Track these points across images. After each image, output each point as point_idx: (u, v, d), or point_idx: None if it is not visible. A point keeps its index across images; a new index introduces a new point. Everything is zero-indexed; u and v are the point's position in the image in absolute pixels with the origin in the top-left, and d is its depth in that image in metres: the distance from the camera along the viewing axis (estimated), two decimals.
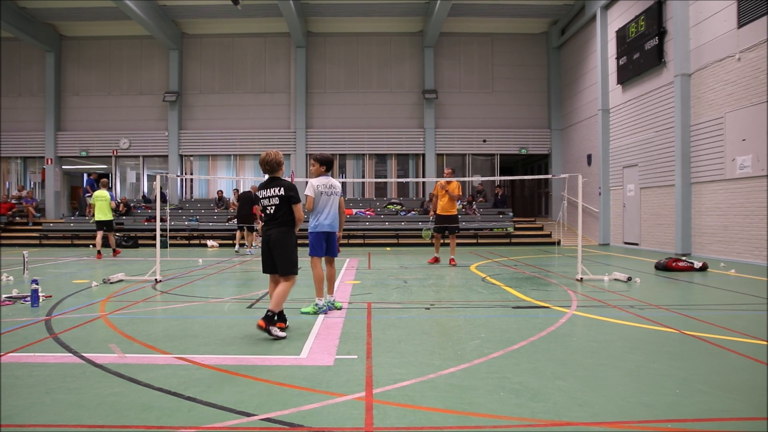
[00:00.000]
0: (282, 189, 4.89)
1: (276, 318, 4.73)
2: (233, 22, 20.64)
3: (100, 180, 13.89)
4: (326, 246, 5.91)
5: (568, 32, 20.03)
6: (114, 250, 13.64)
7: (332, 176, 6.04)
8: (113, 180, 22.55)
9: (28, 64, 21.80)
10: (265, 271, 5.03)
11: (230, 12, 19.26)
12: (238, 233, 14.98)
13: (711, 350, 4.30)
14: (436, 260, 11.39)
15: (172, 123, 21.28)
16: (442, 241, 11.70)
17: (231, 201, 20.21)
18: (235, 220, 15.67)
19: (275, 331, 4.64)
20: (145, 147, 21.71)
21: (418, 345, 4.43)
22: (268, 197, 4.94)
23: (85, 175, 23.27)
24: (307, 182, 6.09)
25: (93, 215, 13.33)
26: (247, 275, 9.81)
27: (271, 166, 4.98)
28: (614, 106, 16.93)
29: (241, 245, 15.11)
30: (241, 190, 20.93)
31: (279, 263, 4.89)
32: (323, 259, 5.96)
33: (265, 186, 5.00)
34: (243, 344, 4.49)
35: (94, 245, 13.25)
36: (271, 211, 4.94)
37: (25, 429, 2.77)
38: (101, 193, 13.00)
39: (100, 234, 13.00)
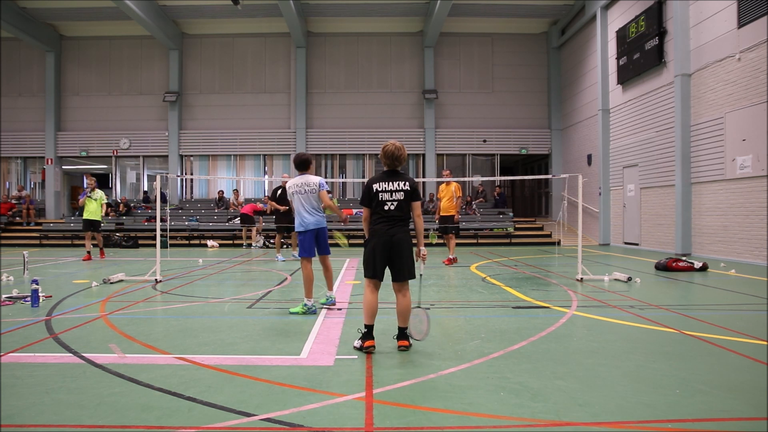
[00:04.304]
0: (407, 183, 4.35)
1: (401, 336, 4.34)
2: (233, 22, 20.64)
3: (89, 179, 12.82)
4: (318, 244, 5.94)
5: (568, 32, 20.03)
6: (101, 250, 13.06)
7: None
8: (113, 180, 22.56)
9: (28, 64, 21.80)
10: (377, 276, 4.31)
11: (230, 12, 19.26)
12: (278, 237, 12.78)
13: (711, 350, 4.30)
14: (451, 261, 11.19)
15: (172, 123, 21.28)
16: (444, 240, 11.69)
17: (231, 201, 20.19)
18: (271, 222, 13.78)
19: (412, 339, 4.39)
20: (145, 147, 21.70)
21: (418, 345, 4.42)
22: (391, 191, 4.33)
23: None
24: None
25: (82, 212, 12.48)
26: (248, 275, 9.81)
27: (400, 161, 4.41)
28: (614, 106, 16.92)
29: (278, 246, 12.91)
30: (241, 191, 20.98)
31: (406, 267, 4.29)
32: (317, 257, 6.01)
33: (384, 179, 4.38)
34: (243, 344, 4.49)
35: (96, 244, 13.01)
36: (392, 207, 4.31)
37: (25, 429, 2.77)
38: (102, 194, 12.50)
39: (90, 234, 12.53)
